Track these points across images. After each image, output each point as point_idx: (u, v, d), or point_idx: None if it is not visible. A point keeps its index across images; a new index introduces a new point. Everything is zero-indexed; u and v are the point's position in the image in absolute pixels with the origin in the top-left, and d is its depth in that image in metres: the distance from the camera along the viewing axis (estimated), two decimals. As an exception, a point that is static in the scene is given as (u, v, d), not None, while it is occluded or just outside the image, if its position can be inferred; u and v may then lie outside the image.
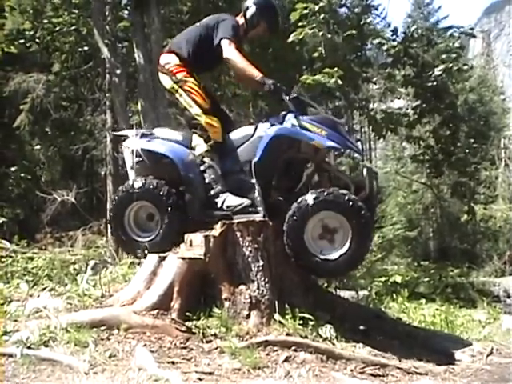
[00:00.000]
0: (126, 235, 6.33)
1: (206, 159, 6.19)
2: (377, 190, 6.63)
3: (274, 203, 6.00)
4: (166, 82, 6.52)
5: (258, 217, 5.90)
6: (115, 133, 6.82)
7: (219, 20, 6.51)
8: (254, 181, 5.97)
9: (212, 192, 6.17)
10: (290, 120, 5.95)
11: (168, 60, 6.55)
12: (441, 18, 38.21)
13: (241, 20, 6.63)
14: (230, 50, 6.16)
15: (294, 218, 5.55)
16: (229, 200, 6.08)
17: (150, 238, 6.17)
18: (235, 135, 6.30)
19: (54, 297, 6.37)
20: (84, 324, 4.98)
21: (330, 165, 6.30)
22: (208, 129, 6.18)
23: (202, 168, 6.21)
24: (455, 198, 31.85)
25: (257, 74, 6.08)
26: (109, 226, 6.49)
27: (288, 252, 5.57)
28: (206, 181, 6.18)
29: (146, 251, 6.07)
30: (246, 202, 6.01)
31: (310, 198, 5.59)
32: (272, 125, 6.05)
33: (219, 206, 6.11)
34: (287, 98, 5.98)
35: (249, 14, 6.56)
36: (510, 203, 33.91)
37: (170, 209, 6.04)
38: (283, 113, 6.09)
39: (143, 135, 6.54)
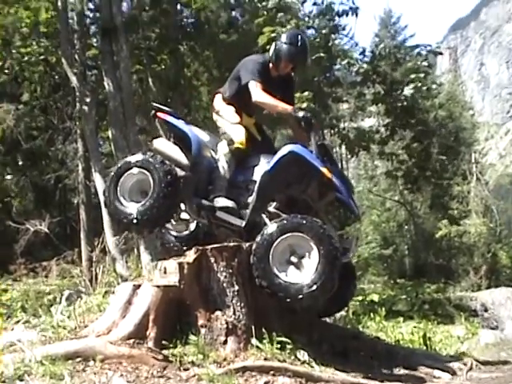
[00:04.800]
0: (116, 199, 6.31)
1: (221, 159, 6.36)
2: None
3: (259, 224, 6.02)
4: (214, 117, 6.92)
5: (238, 222, 6.05)
6: (156, 104, 6.93)
7: (245, 61, 6.74)
8: (251, 198, 6.12)
9: (210, 187, 6.34)
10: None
11: (214, 101, 6.96)
12: (408, 37, 38.39)
13: (270, 58, 6.72)
14: (256, 93, 6.34)
15: (264, 236, 5.57)
16: (220, 200, 6.22)
17: (137, 208, 6.16)
18: (259, 156, 6.40)
19: (28, 329, 6.30)
20: (59, 356, 4.91)
21: (327, 217, 6.41)
22: (233, 134, 6.39)
23: (214, 165, 6.39)
24: (429, 215, 32.06)
25: (287, 108, 6.29)
26: (106, 190, 6.52)
27: (253, 271, 5.53)
28: (211, 176, 6.37)
29: (125, 220, 6.23)
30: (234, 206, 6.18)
31: (283, 218, 5.66)
32: None
33: (209, 199, 6.27)
34: (314, 137, 6.13)
35: (274, 52, 6.66)
36: (484, 217, 34.14)
37: (164, 184, 6.08)
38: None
39: (176, 115, 6.81)
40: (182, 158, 6.50)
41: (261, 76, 6.45)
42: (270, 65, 6.69)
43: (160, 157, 6.30)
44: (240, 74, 6.64)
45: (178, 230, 7.05)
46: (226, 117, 6.62)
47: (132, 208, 6.18)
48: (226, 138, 6.49)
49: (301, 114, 6.12)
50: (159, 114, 6.76)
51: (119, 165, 6.51)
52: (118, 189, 6.30)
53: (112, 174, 6.46)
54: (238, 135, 6.35)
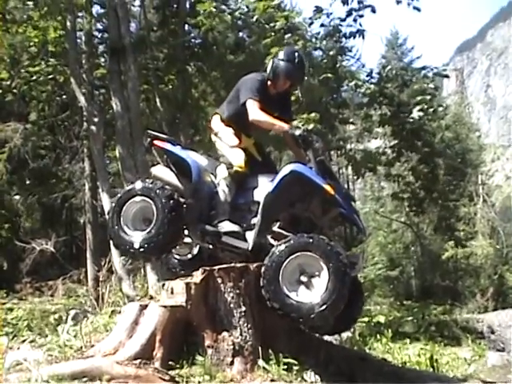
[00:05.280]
0: (120, 229, 6.27)
1: (221, 183, 6.34)
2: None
3: (264, 245, 6.03)
4: (212, 138, 6.90)
5: (245, 245, 6.05)
6: (152, 131, 6.95)
7: (244, 80, 6.75)
8: (255, 220, 6.10)
9: (213, 212, 6.32)
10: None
11: (213, 122, 6.93)
12: (414, 58, 38.51)
13: (268, 75, 6.75)
14: (254, 112, 6.36)
15: (273, 257, 5.54)
16: (224, 224, 6.19)
17: (142, 236, 6.12)
18: (259, 177, 6.39)
19: (34, 348, 6.30)
20: (65, 376, 4.91)
21: (331, 234, 6.41)
22: (232, 158, 6.41)
23: (215, 190, 6.36)
24: (435, 236, 31.96)
25: (284, 126, 6.29)
26: (107, 216, 6.51)
27: (263, 293, 5.50)
28: (212, 201, 6.34)
29: (132, 250, 6.17)
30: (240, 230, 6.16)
31: (290, 238, 5.63)
32: None
33: (214, 224, 6.25)
34: (313, 155, 6.14)
35: (271, 69, 6.68)
36: (490, 239, 34.05)
37: (167, 210, 6.05)
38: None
39: (174, 142, 6.80)
40: (181, 185, 6.51)
41: (259, 94, 6.47)
42: (269, 82, 6.70)
43: (160, 182, 6.29)
44: (238, 93, 6.66)
45: (182, 254, 7.05)
46: (225, 139, 6.62)
47: (137, 237, 6.15)
48: (224, 160, 6.50)
49: (297, 132, 6.12)
50: (156, 142, 6.76)
51: (119, 195, 6.49)
52: (121, 219, 6.28)
53: (113, 204, 6.44)
54: (237, 159, 6.35)
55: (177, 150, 6.58)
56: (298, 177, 5.95)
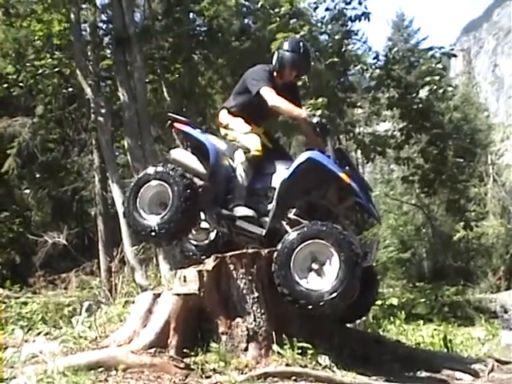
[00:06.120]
0: (135, 210, 6.24)
1: (239, 168, 6.35)
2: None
3: (279, 231, 6.03)
4: (222, 132, 6.90)
5: (259, 231, 6.06)
6: (172, 114, 6.92)
7: (251, 71, 6.81)
8: (271, 206, 6.11)
9: (229, 196, 6.33)
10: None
11: (220, 116, 6.97)
12: (421, 40, 38.23)
13: (274, 66, 6.79)
14: (272, 98, 6.39)
15: (285, 244, 5.54)
16: (239, 209, 6.20)
17: (155, 221, 6.09)
18: (276, 163, 6.41)
19: (49, 341, 6.31)
20: (81, 366, 4.91)
21: (347, 222, 6.41)
22: (248, 143, 6.41)
23: (232, 174, 6.37)
24: (446, 217, 31.86)
25: (302, 113, 6.41)
26: (124, 201, 6.49)
27: (275, 279, 5.49)
28: (229, 185, 6.35)
29: (143, 232, 6.17)
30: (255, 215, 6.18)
31: (303, 225, 5.65)
32: None
33: (229, 208, 6.26)
34: (330, 142, 6.18)
35: (277, 60, 6.73)
36: (501, 218, 33.96)
37: (183, 198, 6.01)
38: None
39: (193, 125, 6.80)
40: (200, 168, 6.49)
41: (270, 82, 6.52)
42: (275, 73, 6.74)
43: (181, 170, 6.22)
44: (247, 85, 6.67)
45: (199, 239, 7.05)
46: (237, 128, 6.61)
47: (151, 220, 6.12)
48: (241, 147, 6.51)
49: (315, 119, 6.13)
50: (176, 124, 6.75)
51: (139, 176, 6.46)
52: (138, 200, 6.24)
53: (132, 184, 6.41)
54: (254, 143, 6.35)
55: (196, 132, 6.57)
56: (315, 164, 5.95)
